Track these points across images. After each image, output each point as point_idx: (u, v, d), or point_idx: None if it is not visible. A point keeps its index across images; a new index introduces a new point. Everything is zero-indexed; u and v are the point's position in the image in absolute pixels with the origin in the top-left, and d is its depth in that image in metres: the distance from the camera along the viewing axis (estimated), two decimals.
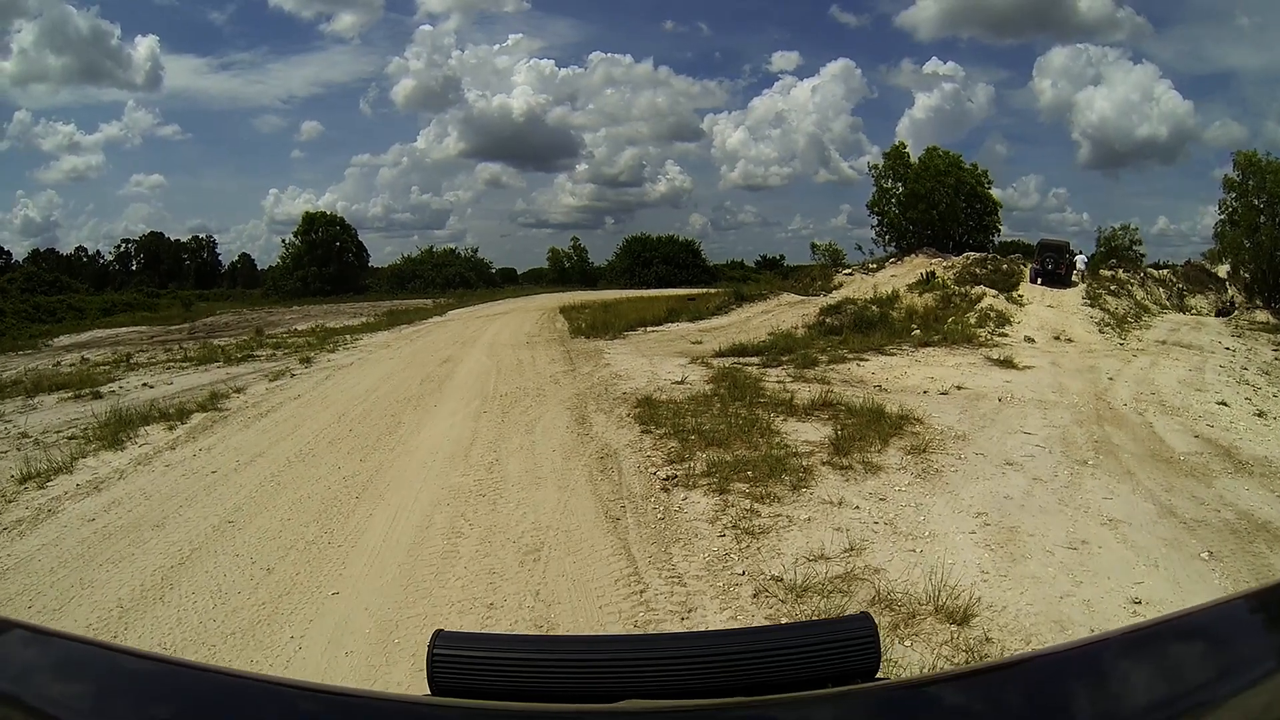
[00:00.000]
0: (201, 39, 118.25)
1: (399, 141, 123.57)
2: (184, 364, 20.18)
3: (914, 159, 46.14)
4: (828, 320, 25.72)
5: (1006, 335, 24.44)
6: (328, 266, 71.80)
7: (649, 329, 25.94)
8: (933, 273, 36.58)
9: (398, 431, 11.48)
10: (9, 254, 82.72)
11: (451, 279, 71.15)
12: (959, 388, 14.84)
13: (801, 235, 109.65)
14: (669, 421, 11.18)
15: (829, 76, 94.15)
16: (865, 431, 10.65)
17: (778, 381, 15.03)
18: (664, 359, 18.36)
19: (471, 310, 42.27)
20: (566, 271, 77.39)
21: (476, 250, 79.05)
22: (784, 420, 11.47)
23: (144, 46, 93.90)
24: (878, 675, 1.04)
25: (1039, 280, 33.15)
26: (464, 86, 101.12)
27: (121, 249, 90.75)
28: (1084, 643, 0.97)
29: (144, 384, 16.65)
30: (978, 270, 37.23)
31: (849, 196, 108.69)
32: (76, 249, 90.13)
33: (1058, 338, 23.97)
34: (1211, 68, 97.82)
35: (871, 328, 24.79)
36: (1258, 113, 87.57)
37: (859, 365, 17.78)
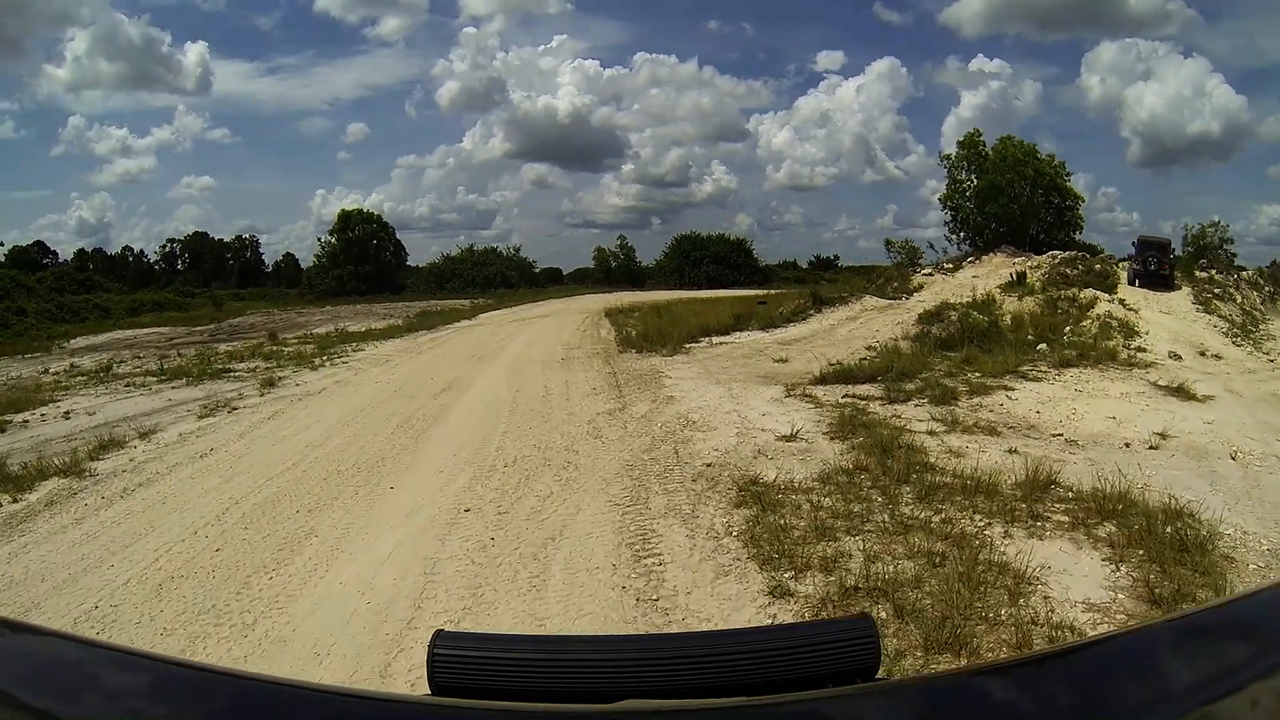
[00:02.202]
0: (249, 44, 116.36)
1: (444, 143, 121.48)
2: (152, 379, 16.59)
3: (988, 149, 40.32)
4: (932, 331, 20.24)
5: (1145, 350, 19.08)
6: (364, 265, 67.39)
7: (714, 339, 20.59)
8: (1023, 273, 31.07)
9: (281, 575, 5.83)
10: (55, 254, 79.92)
11: (492, 278, 66.76)
12: (1162, 436, 10.03)
13: (848, 236, 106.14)
14: (810, 547, 5.94)
15: (874, 75, 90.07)
16: (1171, 570, 5.54)
17: (927, 430, 10.06)
18: (747, 386, 13.40)
19: (507, 313, 37.74)
20: (612, 271, 72.78)
21: (519, 249, 75.57)
22: (1004, 533, 6.38)
23: (193, 53, 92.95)
24: (878, 675, 0.98)
25: (1138, 282, 28.32)
26: (509, 88, 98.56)
27: (167, 249, 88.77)
28: (1084, 643, 0.96)
29: (66, 413, 12.91)
30: (1068, 271, 31.63)
31: (895, 197, 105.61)
32: (123, 249, 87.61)
33: (1203, 353, 19.11)
34: (1266, 61, 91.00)
35: (985, 339, 19.42)
36: None
37: (1008, 397, 12.55)
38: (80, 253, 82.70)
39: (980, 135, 40.90)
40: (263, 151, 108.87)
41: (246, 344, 24.44)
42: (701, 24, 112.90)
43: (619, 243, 77.18)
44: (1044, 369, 15.47)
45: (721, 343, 19.90)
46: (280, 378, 15.91)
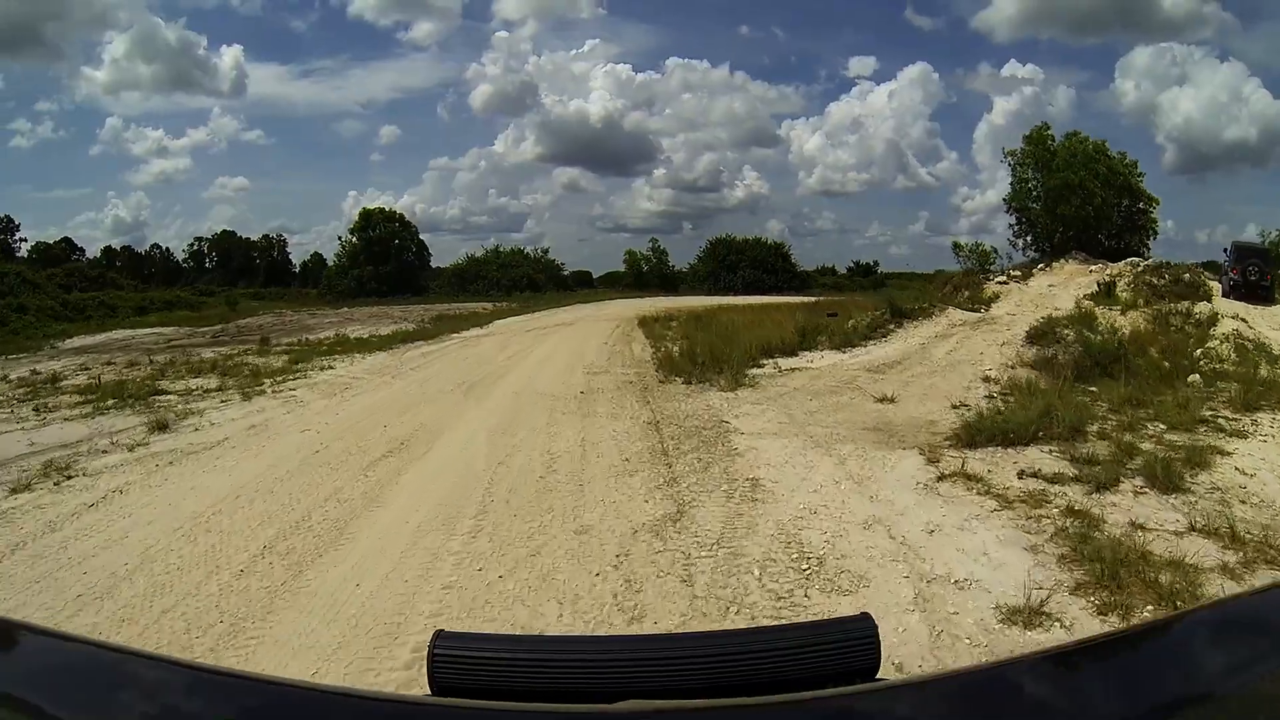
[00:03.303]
0: (284, 48, 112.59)
1: (476, 145, 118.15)
2: (85, 400, 13.03)
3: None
4: (1054, 355, 15.56)
5: None
6: (385, 265, 62.98)
7: (781, 363, 15.83)
8: (1111, 283, 26.81)
9: None
10: (82, 250, 76.34)
11: (519, 281, 62.14)
12: None
13: (879, 243, 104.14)
14: None
15: (906, 81, 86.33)
16: None
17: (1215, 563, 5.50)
18: (863, 452, 8.75)
19: (526, 320, 32.67)
20: (644, 275, 68.22)
21: (547, 251, 70.82)
22: None
23: (229, 55, 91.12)
24: (878, 675, 0.97)
25: (1234, 293, 24.62)
26: (541, 92, 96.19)
27: (195, 247, 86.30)
28: (1085, 643, 0.98)
29: None
30: (1155, 280, 27.68)
31: (927, 203, 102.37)
32: (150, 246, 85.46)
33: None
34: None
35: (1115, 366, 14.68)
36: None
37: (1239, 471, 7.96)
38: (107, 250, 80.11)
39: (1049, 129, 36.41)
40: (296, 153, 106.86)
41: (231, 351, 21.13)
42: (733, 29, 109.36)
43: (651, 245, 73.50)
44: (1230, 414, 10.90)
45: (793, 369, 15.02)
46: (194, 409, 11.75)
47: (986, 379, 13.96)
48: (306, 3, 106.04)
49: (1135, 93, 77.87)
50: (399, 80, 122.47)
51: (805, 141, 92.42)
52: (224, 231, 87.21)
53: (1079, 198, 33.59)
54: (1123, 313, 21.84)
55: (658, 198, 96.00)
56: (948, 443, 8.87)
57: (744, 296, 47.35)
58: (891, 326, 19.11)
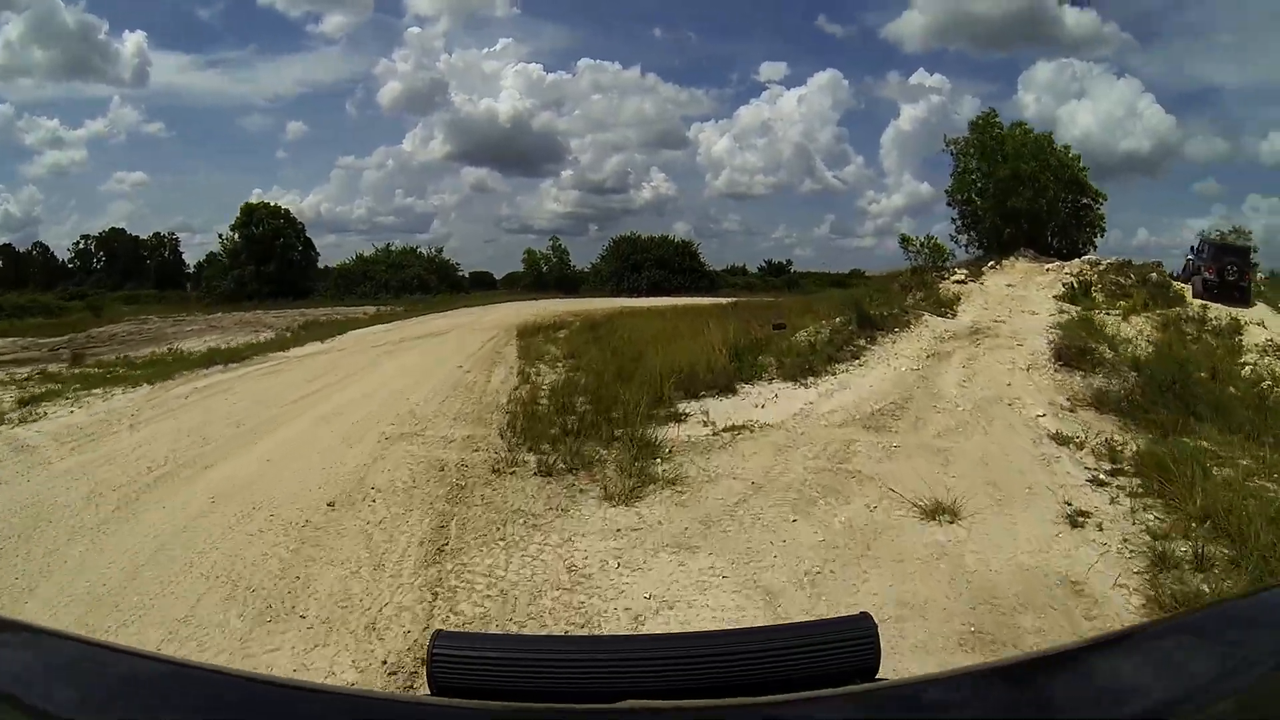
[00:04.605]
0: (190, 36, 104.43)
1: (384, 144, 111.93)
2: None
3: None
4: (1107, 387, 10.37)
5: None
6: (268, 265, 54.81)
7: (712, 410, 9.24)
8: (1087, 283, 22.94)
9: None
10: None
11: (409, 282, 54.98)
12: None
13: (785, 244, 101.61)
14: None
15: (816, 87, 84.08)
16: None
17: None
18: None
19: (393, 328, 25.14)
20: (543, 276, 61.67)
21: (440, 250, 63.25)
22: None
23: (131, 42, 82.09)
24: (878, 675, 0.93)
25: (1208, 294, 22.22)
26: (451, 90, 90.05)
27: (81, 246, 76.93)
28: (1084, 643, 0.93)
29: None
30: (1120, 279, 24.49)
31: (834, 206, 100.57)
32: (34, 244, 76.88)
33: None
34: (1194, 84, 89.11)
35: (1188, 397, 10.27)
36: (1238, 128, 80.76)
37: None
38: None
39: (996, 115, 31.60)
40: (199, 147, 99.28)
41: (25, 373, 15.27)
42: (647, 31, 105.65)
43: (551, 244, 66.99)
44: None
45: (738, 427, 8.56)
46: None
47: (1056, 438, 8.43)
48: None
49: (1036, 105, 78.38)
50: (307, 74, 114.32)
51: (714, 144, 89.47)
52: (113, 229, 78.41)
53: (1031, 190, 29.28)
54: (1125, 318, 17.67)
55: (564, 199, 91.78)
56: None
57: (649, 298, 41.92)
58: (862, 342, 12.89)
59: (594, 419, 8.58)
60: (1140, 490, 6.64)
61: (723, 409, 9.30)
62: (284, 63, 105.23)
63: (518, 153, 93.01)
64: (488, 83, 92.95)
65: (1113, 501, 6.44)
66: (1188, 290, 22.31)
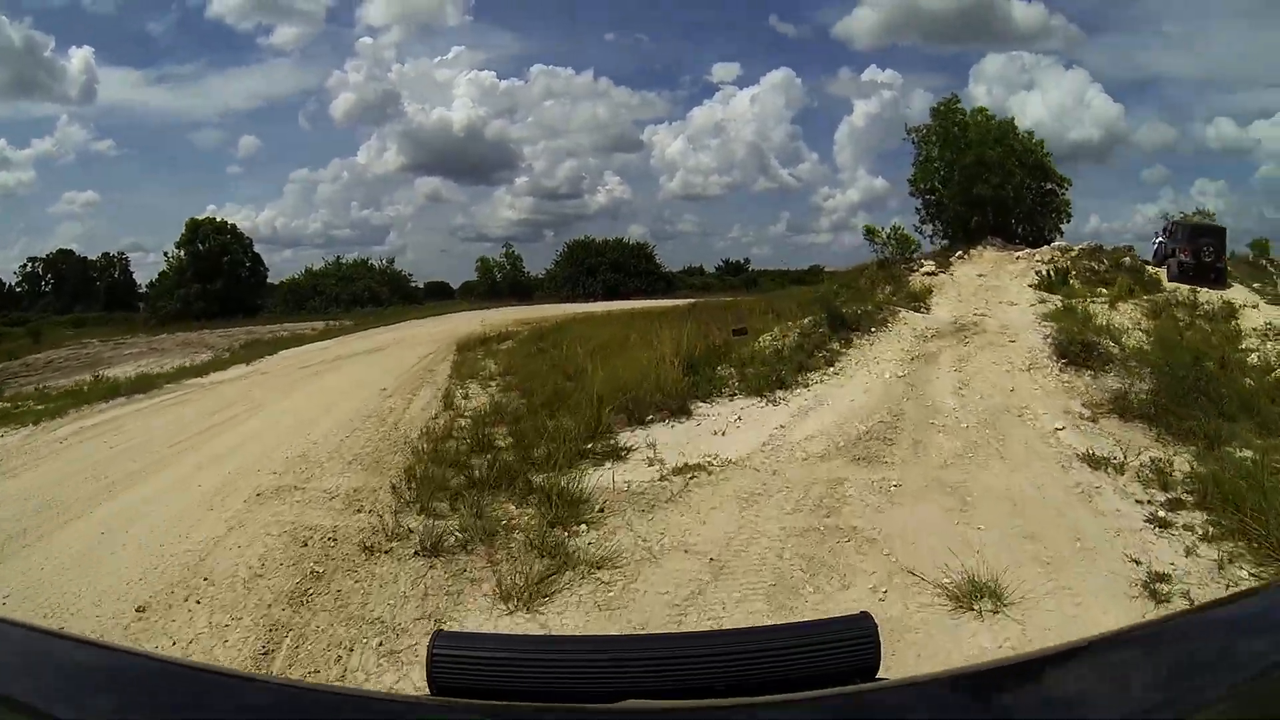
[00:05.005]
0: (138, 51, 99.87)
1: (338, 156, 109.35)
2: None
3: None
4: (1125, 389, 8.88)
5: None
6: (214, 283, 52.37)
7: (659, 442, 7.41)
8: (1064, 270, 21.64)
9: None
10: None
11: (360, 295, 52.70)
12: None
13: (741, 243, 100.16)
14: None
15: (769, 86, 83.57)
16: None
17: None
18: None
19: (332, 345, 23.40)
20: (498, 284, 59.93)
21: (393, 261, 61.26)
22: None
23: (78, 58, 78.08)
24: (878, 675, 0.91)
25: (1183, 276, 21.42)
26: (404, 100, 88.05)
27: (28, 269, 73.24)
28: (1084, 643, 0.88)
29: None
30: (1094, 265, 23.51)
31: (789, 204, 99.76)
32: None
33: None
34: (1141, 73, 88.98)
35: (1207, 394, 8.83)
36: (1185, 115, 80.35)
37: None
38: None
39: (958, 101, 30.28)
40: (151, 164, 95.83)
41: None
42: (599, 36, 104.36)
43: (505, 252, 65.35)
44: None
45: (693, 468, 6.57)
46: None
47: (1088, 459, 6.80)
48: (163, 2, 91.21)
49: (988, 97, 78.39)
50: (259, 88, 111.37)
51: (668, 146, 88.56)
52: (60, 251, 75.10)
53: (997, 176, 27.99)
54: (1112, 306, 16.17)
55: (519, 206, 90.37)
56: None
57: (605, 303, 39.92)
58: (836, 345, 11.11)
59: (513, 460, 6.77)
60: (1214, 530, 5.20)
61: (674, 439, 7.52)
62: (235, 76, 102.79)
63: (471, 161, 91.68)
64: (440, 91, 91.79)
65: (1189, 553, 4.87)
66: (1161, 274, 21.44)
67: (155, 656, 1.03)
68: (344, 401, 11.47)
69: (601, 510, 5.63)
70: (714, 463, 6.73)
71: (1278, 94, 77.78)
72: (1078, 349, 10.18)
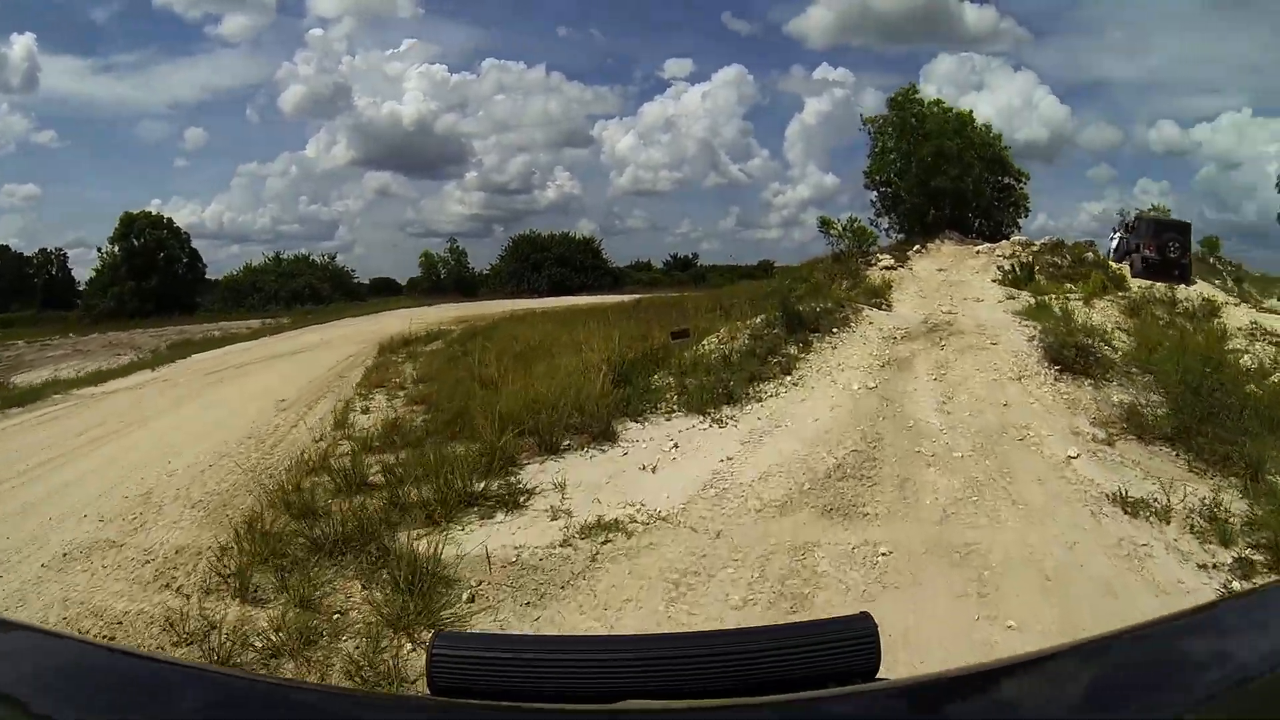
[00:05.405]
0: (82, 39, 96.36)
1: (287, 150, 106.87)
2: None
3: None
4: (1145, 409, 7.24)
5: None
6: (149, 280, 49.71)
7: (572, 481, 5.63)
8: (1029, 265, 20.49)
9: None
10: None
11: (300, 292, 50.27)
12: None
13: (691, 238, 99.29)
14: None
15: (721, 82, 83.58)
16: None
17: None
18: None
19: (255, 346, 21.82)
20: (442, 280, 58.27)
21: (334, 257, 58.68)
22: None
23: (20, 45, 74.32)
24: (878, 675, 0.88)
25: (1148, 272, 20.83)
26: (354, 93, 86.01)
27: None
28: (1084, 643, 0.85)
29: None
30: (1058, 260, 22.72)
31: (739, 199, 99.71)
32: None
33: None
34: (1087, 76, 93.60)
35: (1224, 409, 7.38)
36: (1129, 118, 78.91)
37: None
38: None
39: (916, 91, 29.07)
40: (95, 156, 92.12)
41: None
42: (552, 30, 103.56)
43: (449, 247, 63.44)
44: None
45: (604, 526, 4.82)
46: None
47: (1120, 502, 5.37)
48: None
49: (938, 96, 79.41)
50: (207, 79, 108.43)
51: (618, 141, 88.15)
52: None
53: (956, 168, 26.81)
54: (1087, 303, 14.94)
55: (469, 201, 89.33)
56: None
57: (550, 298, 38.51)
58: (793, 350, 9.50)
59: (383, 506, 5.17)
60: None
61: (591, 476, 5.87)
62: (182, 67, 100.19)
63: (422, 156, 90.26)
64: (391, 85, 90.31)
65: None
66: (1124, 270, 20.73)
67: (155, 657, 0.99)
68: (232, 418, 9.84)
69: (471, 599, 3.99)
70: (637, 517, 5.04)
71: (1218, 98, 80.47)
72: (1072, 354, 8.72)
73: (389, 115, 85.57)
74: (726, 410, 7.58)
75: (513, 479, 5.83)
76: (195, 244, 55.30)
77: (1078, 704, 0.77)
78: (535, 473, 5.96)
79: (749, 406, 7.72)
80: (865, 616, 0.90)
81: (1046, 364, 8.68)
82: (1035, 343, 9.50)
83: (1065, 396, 7.70)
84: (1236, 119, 60.06)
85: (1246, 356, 11.00)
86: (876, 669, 0.86)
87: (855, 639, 0.87)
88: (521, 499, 5.45)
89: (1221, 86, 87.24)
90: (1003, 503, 5.13)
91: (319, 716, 0.77)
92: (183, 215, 64.52)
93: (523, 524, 5.07)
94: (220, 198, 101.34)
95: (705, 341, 10.43)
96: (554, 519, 5.08)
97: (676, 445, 6.58)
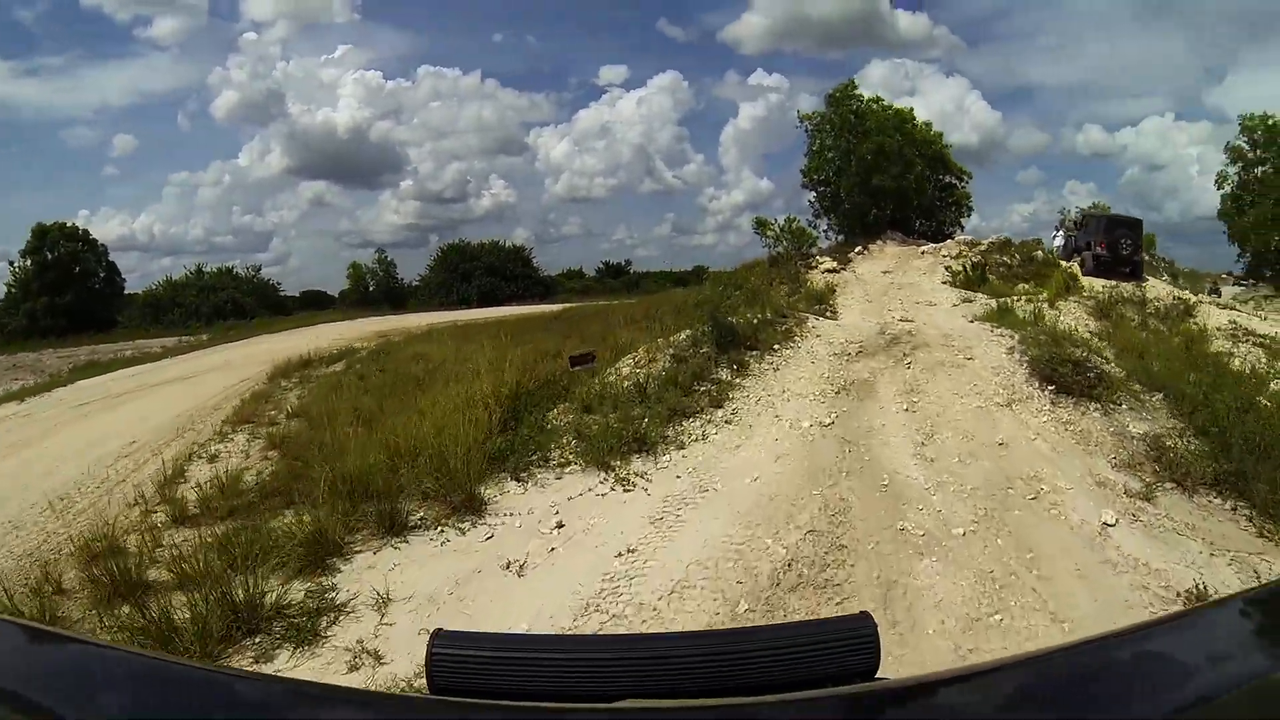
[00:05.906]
0: (6, 40, 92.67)
1: (220, 158, 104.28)
2: None
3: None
4: (1169, 446, 5.69)
5: None
6: (64, 296, 46.53)
7: (413, 560, 4.20)
8: (981, 265, 19.40)
9: None
10: None
11: (222, 306, 47.68)
12: None
13: (626, 245, 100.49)
14: None
15: (656, 88, 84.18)
16: None
17: None
18: None
19: (149, 370, 19.36)
20: (371, 292, 55.77)
21: (259, 269, 56.37)
22: None
23: None
24: (877, 675, 0.88)
25: (1099, 269, 20.20)
26: (288, 100, 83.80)
27: None
28: (1083, 642, 0.87)
29: None
30: (1007, 260, 21.79)
31: (674, 205, 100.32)
32: None
33: None
34: (1017, 82, 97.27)
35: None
36: (1057, 122, 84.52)
37: None
38: None
39: (855, 87, 27.88)
40: (18, 165, 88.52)
41: None
42: (487, 36, 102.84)
43: (377, 258, 60.83)
44: None
45: None
46: None
47: (1194, 600, 3.95)
48: None
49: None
50: (136, 83, 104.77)
51: (553, 148, 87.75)
52: None
53: (897, 166, 26.02)
54: (1052, 305, 13.66)
55: (404, 210, 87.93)
56: None
57: (478, 310, 37.47)
58: (724, 374, 7.69)
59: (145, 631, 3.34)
60: None
61: (431, 582, 4.08)
62: (111, 70, 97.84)
63: (357, 164, 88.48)
64: (326, 92, 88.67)
65: None
66: (1074, 268, 19.98)
67: (155, 656, 0.97)
68: (61, 467, 8.24)
69: None
70: None
71: (1142, 103, 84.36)
72: (1068, 371, 7.10)
73: (323, 123, 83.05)
74: (636, 464, 5.82)
75: (328, 580, 4.02)
76: (126, 257, 53.14)
77: (1076, 703, 0.75)
78: (363, 568, 4.19)
79: (666, 456, 5.96)
80: (865, 616, 0.88)
81: (1037, 384, 7.07)
82: (1016, 356, 7.86)
83: (1072, 429, 6.11)
84: (1159, 123, 61.76)
85: (1237, 360, 9.81)
86: (876, 669, 0.84)
87: (855, 639, 0.85)
88: (324, 623, 3.64)
89: (1145, 92, 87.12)
90: (1038, 618, 3.43)
91: (319, 716, 0.76)
92: (112, 226, 62.62)
93: (311, 671, 3.25)
94: (151, 208, 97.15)
95: (622, 362, 8.56)
96: (353, 668, 3.26)
97: (561, 525, 4.76)
